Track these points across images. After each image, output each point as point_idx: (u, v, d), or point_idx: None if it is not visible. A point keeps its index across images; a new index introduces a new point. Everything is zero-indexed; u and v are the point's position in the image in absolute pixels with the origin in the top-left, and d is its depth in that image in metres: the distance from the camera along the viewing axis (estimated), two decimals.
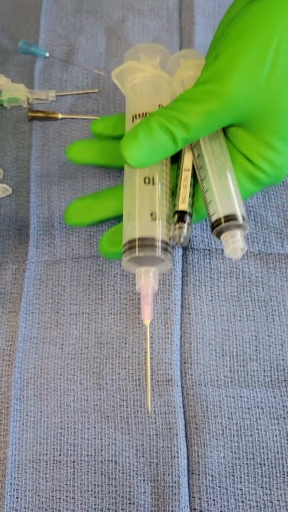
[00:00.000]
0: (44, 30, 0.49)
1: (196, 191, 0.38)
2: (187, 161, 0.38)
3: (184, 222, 0.36)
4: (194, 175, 0.38)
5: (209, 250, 0.41)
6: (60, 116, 0.45)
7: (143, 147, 0.34)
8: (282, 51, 0.34)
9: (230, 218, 0.35)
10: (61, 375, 0.38)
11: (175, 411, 0.37)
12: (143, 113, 0.38)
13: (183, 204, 0.37)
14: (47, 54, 0.48)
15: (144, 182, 0.37)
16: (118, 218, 0.40)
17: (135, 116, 0.39)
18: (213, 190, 0.36)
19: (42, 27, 0.49)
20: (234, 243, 0.35)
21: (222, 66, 0.34)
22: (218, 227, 0.35)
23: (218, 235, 0.36)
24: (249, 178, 0.37)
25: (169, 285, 0.40)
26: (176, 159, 0.39)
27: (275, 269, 0.41)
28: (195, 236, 0.41)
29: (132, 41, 0.48)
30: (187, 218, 0.36)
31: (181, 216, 0.36)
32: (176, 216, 0.37)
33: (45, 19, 0.49)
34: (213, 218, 0.36)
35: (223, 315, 0.40)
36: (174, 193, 0.38)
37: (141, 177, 0.37)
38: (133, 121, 0.39)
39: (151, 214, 0.36)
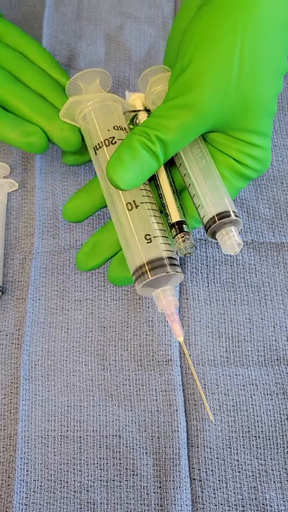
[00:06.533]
0: (47, 36, 0.51)
1: (182, 199, 0.39)
2: (162, 177, 0.38)
3: (185, 231, 0.36)
4: (173, 187, 0.38)
5: (205, 240, 0.44)
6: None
7: (131, 169, 0.34)
8: (246, 53, 0.34)
9: (222, 216, 0.36)
10: (67, 357, 0.41)
11: (175, 389, 0.39)
12: (101, 142, 0.38)
13: (176, 216, 0.37)
14: None
15: (128, 208, 0.36)
16: None
17: (96, 147, 0.38)
18: (199, 194, 0.37)
19: (45, 34, 0.51)
20: (230, 239, 0.36)
21: (190, 77, 0.34)
22: (212, 227, 0.36)
23: (213, 235, 0.37)
24: (236, 175, 0.38)
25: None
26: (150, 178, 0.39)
27: (267, 257, 0.43)
28: None
29: (130, 47, 0.51)
30: (185, 227, 0.37)
31: (180, 227, 0.37)
32: (174, 229, 0.37)
33: (47, 26, 0.52)
34: (205, 220, 0.36)
35: (219, 300, 0.42)
36: (161, 210, 0.38)
37: (123, 204, 0.37)
38: (95, 153, 0.38)
39: (145, 237, 0.36)
